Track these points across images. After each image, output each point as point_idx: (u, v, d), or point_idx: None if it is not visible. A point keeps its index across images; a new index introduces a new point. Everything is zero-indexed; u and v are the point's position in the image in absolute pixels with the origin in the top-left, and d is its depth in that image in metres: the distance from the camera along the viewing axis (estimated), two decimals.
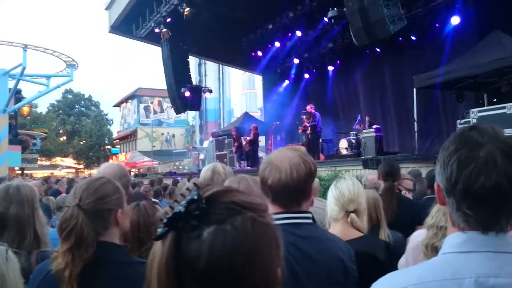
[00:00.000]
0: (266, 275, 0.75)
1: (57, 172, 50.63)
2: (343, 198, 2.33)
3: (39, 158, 46.09)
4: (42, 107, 60.02)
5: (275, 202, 1.64)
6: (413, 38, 14.67)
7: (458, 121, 10.65)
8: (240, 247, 0.72)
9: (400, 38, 14.11)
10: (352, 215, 2.31)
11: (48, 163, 53.82)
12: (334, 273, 1.62)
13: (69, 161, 58.71)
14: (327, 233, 1.80)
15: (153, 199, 6.16)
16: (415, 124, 12.11)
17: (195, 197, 0.74)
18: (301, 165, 1.62)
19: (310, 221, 1.69)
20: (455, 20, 13.08)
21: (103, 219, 1.65)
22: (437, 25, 14.03)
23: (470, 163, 0.98)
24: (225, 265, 0.71)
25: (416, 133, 12.14)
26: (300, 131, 15.22)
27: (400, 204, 3.70)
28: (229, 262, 0.71)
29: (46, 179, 14.49)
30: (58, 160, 56.43)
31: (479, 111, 9.87)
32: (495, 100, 11.17)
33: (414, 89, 11.72)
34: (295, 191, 1.63)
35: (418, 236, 2.79)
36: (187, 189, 0.77)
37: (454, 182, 1.00)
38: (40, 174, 38.58)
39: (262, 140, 20.37)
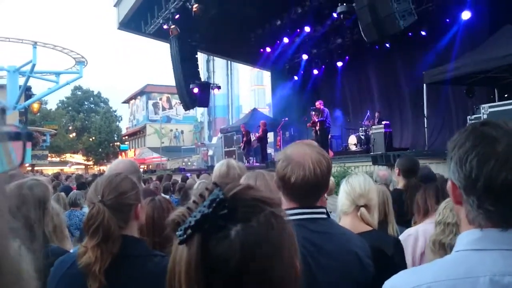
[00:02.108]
0: (290, 266, 0.77)
1: (67, 169, 51.01)
2: (354, 193, 2.36)
3: (49, 155, 46.48)
4: (52, 104, 60.50)
5: (293, 199, 1.64)
6: (423, 33, 14.55)
7: (469, 116, 10.57)
8: (268, 243, 0.73)
9: (410, 34, 14.00)
10: (362, 209, 2.34)
11: (58, 159, 54.28)
12: (349, 268, 1.62)
13: (79, 158, 59.17)
14: (342, 228, 1.80)
15: (163, 195, 6.18)
16: (425, 119, 12.04)
17: (221, 197, 0.73)
18: (322, 161, 1.62)
19: (324, 216, 1.68)
20: (465, 15, 12.95)
21: (124, 213, 1.70)
22: (447, 20, 13.90)
23: (490, 159, 0.97)
24: (257, 262, 0.72)
25: (426, 129, 12.07)
26: (308, 126, 15.19)
27: None
28: (260, 258, 0.72)
29: (56, 176, 14.60)
30: (67, 156, 56.88)
31: (490, 107, 9.79)
32: (506, 95, 11.07)
33: (424, 85, 11.64)
34: (318, 187, 1.63)
35: (406, 232, 2.84)
36: (207, 189, 0.77)
37: (475, 179, 0.98)
38: (50, 170, 38.88)
39: (270, 136, 20.35)
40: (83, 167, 57.23)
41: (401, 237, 2.81)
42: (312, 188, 1.61)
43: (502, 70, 10.52)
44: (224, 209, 0.73)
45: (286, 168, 1.61)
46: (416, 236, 2.74)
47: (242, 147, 18.35)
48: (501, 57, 9.54)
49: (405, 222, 3.16)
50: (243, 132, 18.15)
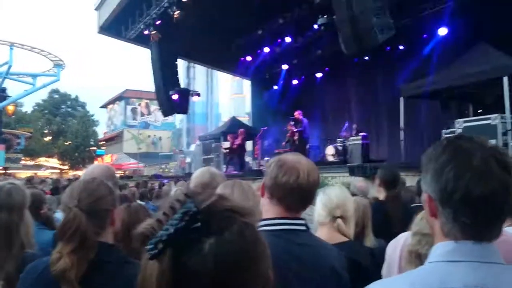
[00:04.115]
0: (264, 277, 0.76)
1: (41, 173, 49.98)
2: (331, 204, 2.39)
3: (23, 158, 45.54)
4: (28, 107, 59.21)
5: (281, 204, 1.64)
6: (401, 47, 14.82)
7: (444, 130, 10.78)
8: (242, 254, 0.72)
9: (388, 47, 14.25)
10: (338, 220, 2.38)
11: (32, 163, 53.15)
12: (327, 281, 1.63)
13: (54, 162, 58.03)
14: (321, 240, 1.81)
15: (139, 202, 6.11)
16: (402, 132, 12.21)
17: (194, 210, 0.71)
18: (315, 171, 1.66)
19: (304, 228, 1.70)
20: (442, 31, 13.27)
21: (100, 219, 1.67)
22: (425, 35, 14.20)
23: (466, 171, 0.99)
24: (231, 275, 0.70)
25: (402, 141, 12.23)
26: (286, 140, 15.24)
27: (412, 214, 3.68)
28: (235, 271, 0.71)
29: (29, 179, 14.26)
30: (42, 160, 55.76)
31: (465, 121, 10.01)
32: (480, 111, 11.33)
33: (401, 98, 11.82)
34: (306, 195, 1.66)
35: (400, 235, 2.87)
36: (178, 200, 0.74)
37: (451, 192, 1.00)
38: (24, 174, 38.05)
39: (248, 145, 20.35)
40: (58, 171, 56.16)
41: (393, 241, 2.83)
42: (301, 194, 1.63)
43: (477, 86, 10.79)
44: (197, 222, 0.70)
45: (280, 168, 1.63)
46: (408, 237, 2.78)
47: (228, 152, 17.93)
48: (475, 73, 9.78)
49: (384, 233, 3.18)
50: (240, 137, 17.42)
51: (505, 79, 9.07)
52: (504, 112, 9.20)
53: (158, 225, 0.72)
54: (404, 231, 3.25)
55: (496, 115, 9.23)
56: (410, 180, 6.86)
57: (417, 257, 2.14)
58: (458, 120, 10.23)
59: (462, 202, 0.99)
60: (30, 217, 2.23)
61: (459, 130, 9.71)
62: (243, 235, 0.73)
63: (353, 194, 3.93)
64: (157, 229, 0.72)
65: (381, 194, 4.01)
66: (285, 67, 20.00)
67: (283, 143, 15.69)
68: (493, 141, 8.25)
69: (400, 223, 3.49)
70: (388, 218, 3.54)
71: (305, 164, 1.66)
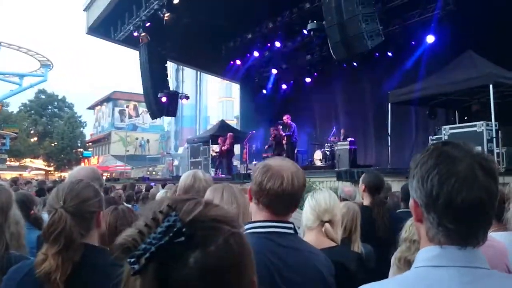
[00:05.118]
0: (249, 284, 0.76)
1: (26, 174, 49.41)
2: (319, 208, 2.38)
3: (8, 159, 44.99)
4: (14, 107, 58.58)
5: (268, 208, 1.66)
6: (390, 54, 14.96)
7: (430, 137, 10.89)
8: (228, 265, 0.71)
9: (377, 54, 14.37)
10: (327, 225, 2.37)
11: (17, 164, 52.53)
12: (313, 284, 1.64)
13: (39, 163, 57.40)
14: (309, 245, 1.82)
15: (126, 204, 6.06)
16: (389, 138, 12.30)
17: (179, 225, 0.69)
18: (300, 174, 1.68)
19: (292, 231, 1.71)
20: (430, 38, 13.42)
21: (86, 221, 1.67)
22: (413, 42, 14.35)
23: (451, 177, 1.00)
24: (216, 286, 0.70)
25: (389, 147, 12.32)
26: (269, 144, 15.31)
27: (396, 220, 3.69)
28: (220, 282, 0.70)
29: (15, 181, 14.09)
30: (27, 161, 55.12)
31: (451, 128, 10.11)
32: (466, 118, 11.46)
33: (389, 104, 11.92)
34: (292, 199, 1.67)
35: None
36: (161, 212, 0.72)
37: (435, 197, 1.01)
38: (9, 175, 37.58)
39: (237, 148, 20.33)
40: (43, 172, 55.53)
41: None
42: (287, 199, 1.65)
43: (462, 93, 10.93)
44: (181, 236, 0.68)
45: (265, 174, 1.65)
46: None
47: (218, 155, 17.89)
48: (461, 81, 9.89)
49: (369, 239, 3.19)
50: (228, 140, 17.46)
51: (491, 87, 9.19)
52: (489, 120, 9.31)
53: (140, 236, 0.69)
54: (389, 236, 3.27)
55: (481, 122, 9.33)
56: (396, 186, 6.92)
57: (406, 264, 2.14)
58: (445, 126, 10.34)
59: (446, 207, 1.00)
60: (21, 218, 2.21)
61: (446, 137, 9.80)
62: (229, 245, 0.72)
63: (341, 199, 3.96)
64: (139, 241, 0.69)
65: (366, 200, 4.02)
66: (274, 71, 20.06)
67: (266, 146, 15.81)
68: (478, 148, 8.36)
69: (385, 229, 3.53)
70: (373, 223, 3.56)
71: (289, 168, 1.67)
